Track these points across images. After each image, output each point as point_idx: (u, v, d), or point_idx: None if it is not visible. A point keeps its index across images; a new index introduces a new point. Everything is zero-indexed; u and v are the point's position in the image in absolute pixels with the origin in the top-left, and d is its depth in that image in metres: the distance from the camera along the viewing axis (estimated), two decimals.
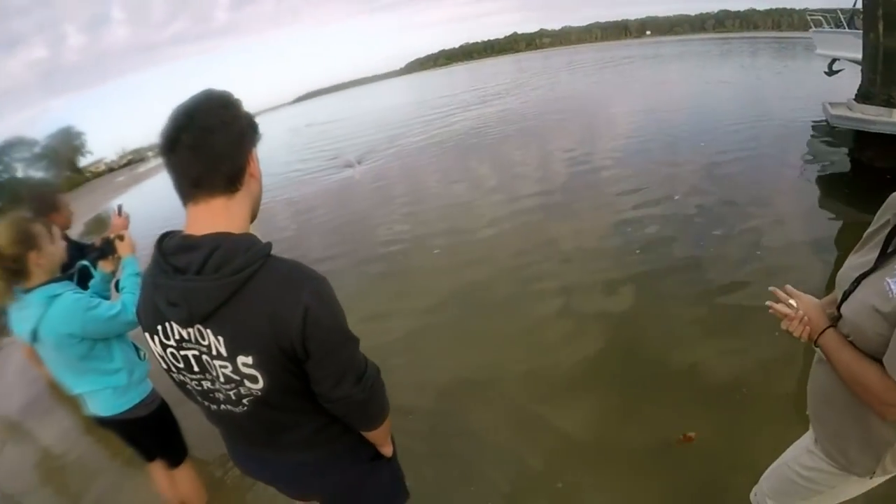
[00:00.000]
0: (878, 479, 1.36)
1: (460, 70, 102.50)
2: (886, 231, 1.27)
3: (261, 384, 1.12)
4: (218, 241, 1.05)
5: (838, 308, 1.31)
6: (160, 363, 1.24)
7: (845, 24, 12.60)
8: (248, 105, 1.15)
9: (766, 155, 8.99)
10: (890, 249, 1.23)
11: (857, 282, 1.27)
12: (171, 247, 1.09)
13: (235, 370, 1.11)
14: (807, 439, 1.51)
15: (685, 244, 5.54)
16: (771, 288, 1.43)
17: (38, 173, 57.99)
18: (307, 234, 8.35)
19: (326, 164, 14.52)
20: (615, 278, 4.95)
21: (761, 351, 3.41)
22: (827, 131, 9.87)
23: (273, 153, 19.95)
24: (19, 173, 55.51)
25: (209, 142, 1.04)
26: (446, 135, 15.90)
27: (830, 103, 9.34)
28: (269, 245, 1.11)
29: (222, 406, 1.21)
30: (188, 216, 1.10)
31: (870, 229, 1.36)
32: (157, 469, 2.51)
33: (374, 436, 1.37)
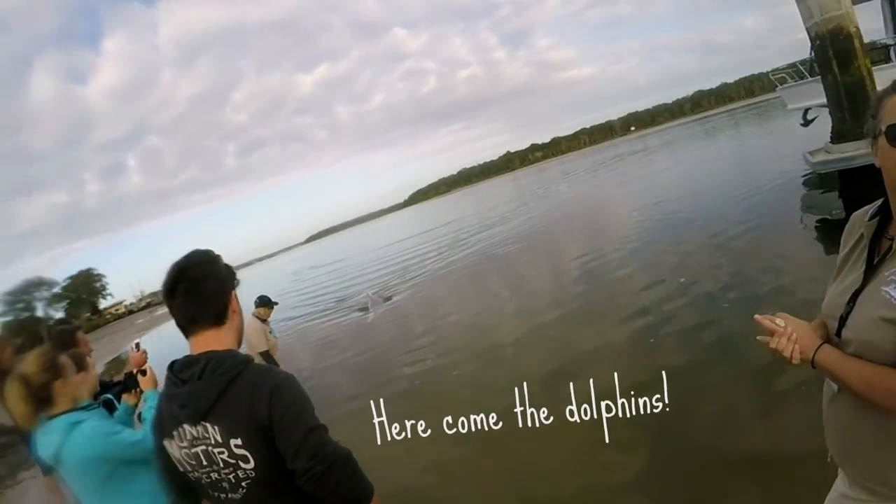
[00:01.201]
0: None
1: (461, 195, 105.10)
2: (862, 245, 1.29)
3: (251, 464, 1.32)
4: (211, 355, 1.36)
5: (838, 334, 1.28)
6: (179, 466, 1.42)
7: (807, 74, 12.61)
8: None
9: (766, 218, 9.10)
10: (876, 261, 1.24)
11: (852, 301, 1.25)
12: (178, 366, 1.40)
13: (231, 454, 1.32)
14: (840, 486, 1.41)
15: (701, 324, 5.57)
16: (756, 316, 1.37)
17: (57, 313, 59.92)
18: (332, 376, 8.27)
19: (345, 307, 14.54)
20: (644, 379, 4.82)
21: (796, 419, 3.32)
22: (817, 180, 9.99)
23: (285, 297, 20.17)
24: (39, 312, 57.61)
25: (198, 289, 1.39)
26: (458, 261, 16.15)
27: (810, 152, 9.39)
28: (249, 356, 1.42)
29: (229, 495, 1.38)
30: (190, 345, 1.42)
31: (841, 254, 1.38)
32: None
33: None
